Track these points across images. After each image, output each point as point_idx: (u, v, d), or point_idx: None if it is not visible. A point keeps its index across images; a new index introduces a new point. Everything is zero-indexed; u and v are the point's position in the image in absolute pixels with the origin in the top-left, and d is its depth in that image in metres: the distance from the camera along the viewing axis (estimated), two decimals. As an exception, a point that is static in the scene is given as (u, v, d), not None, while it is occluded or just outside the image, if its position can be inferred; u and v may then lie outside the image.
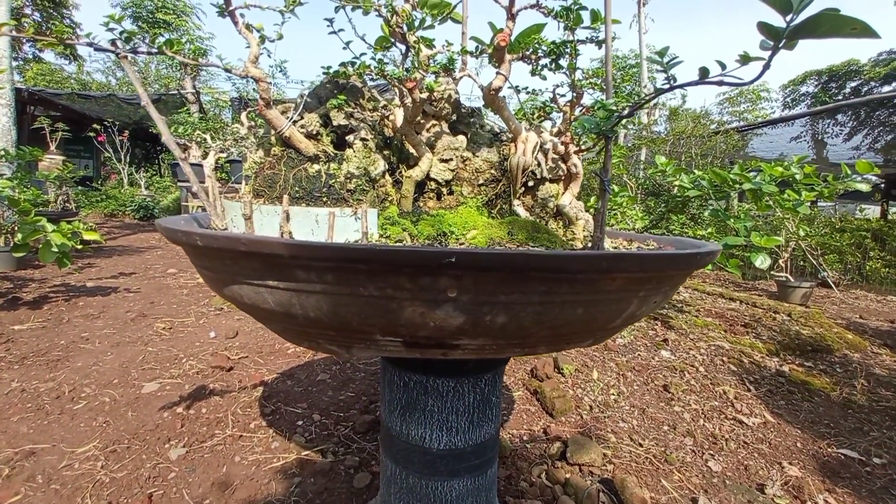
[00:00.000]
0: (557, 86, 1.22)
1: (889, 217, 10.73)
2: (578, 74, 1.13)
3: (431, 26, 1.16)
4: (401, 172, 1.12)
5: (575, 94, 1.18)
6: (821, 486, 1.96)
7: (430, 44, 1.02)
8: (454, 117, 1.21)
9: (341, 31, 1.01)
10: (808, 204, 3.20)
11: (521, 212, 1.15)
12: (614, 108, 0.81)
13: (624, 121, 1.10)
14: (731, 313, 4.62)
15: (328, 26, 1.00)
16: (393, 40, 1.06)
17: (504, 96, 1.10)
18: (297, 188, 0.98)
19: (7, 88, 6.10)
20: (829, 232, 7.96)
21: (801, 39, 0.55)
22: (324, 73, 1.09)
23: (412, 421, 1.15)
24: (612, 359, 3.09)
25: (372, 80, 1.06)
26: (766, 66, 0.56)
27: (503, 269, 0.63)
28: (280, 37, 1.04)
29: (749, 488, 1.89)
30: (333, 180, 0.99)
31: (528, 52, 1.09)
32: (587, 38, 1.06)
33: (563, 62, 1.06)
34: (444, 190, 1.15)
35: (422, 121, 1.14)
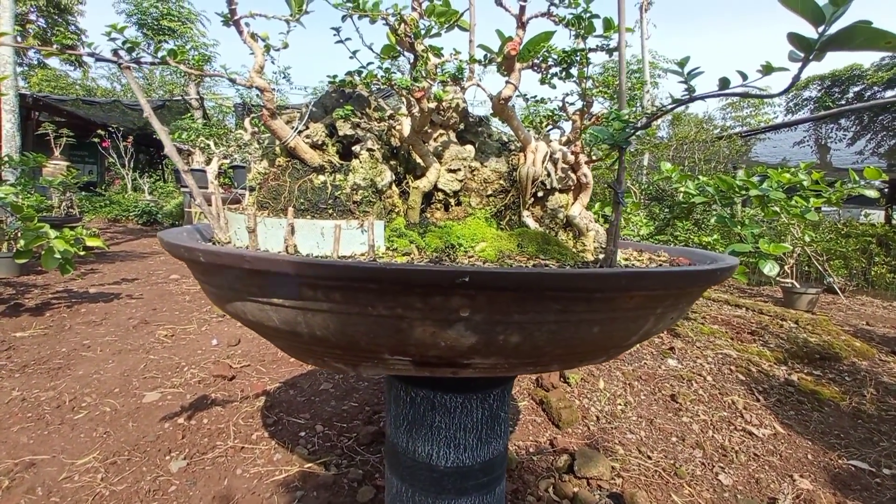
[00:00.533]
0: (567, 94, 1.19)
1: (893, 222, 10.66)
2: (588, 83, 1.10)
3: (438, 34, 1.14)
4: (408, 183, 1.10)
5: (585, 103, 1.15)
6: (832, 500, 1.92)
7: (438, 52, 1.00)
8: (462, 126, 1.19)
9: (348, 41, 1.00)
10: (815, 210, 3.17)
11: (531, 223, 1.12)
12: (629, 118, 0.78)
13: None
14: (737, 320, 4.58)
15: (335, 35, 0.98)
16: (400, 49, 1.04)
17: (513, 105, 1.08)
18: (302, 200, 0.95)
19: (11, 94, 6.12)
20: (834, 237, 7.91)
21: (833, 52, 0.53)
22: (329, 82, 1.07)
23: (419, 437, 1.12)
24: (618, 367, 3.06)
25: (379, 88, 1.04)
26: (796, 78, 0.54)
27: (519, 288, 0.60)
28: (285, 45, 1.02)
29: (761, 503, 1.85)
30: (339, 192, 0.97)
31: (537, 61, 1.07)
32: (598, 46, 1.03)
33: (574, 71, 1.04)
34: (452, 201, 1.12)
35: (429, 130, 1.12)
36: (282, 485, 1.73)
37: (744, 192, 3.34)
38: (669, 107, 0.71)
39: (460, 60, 1.04)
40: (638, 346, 3.52)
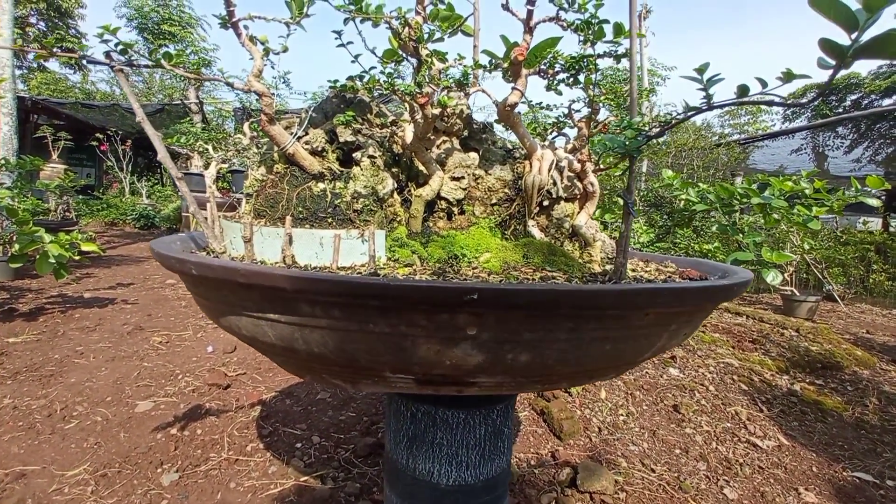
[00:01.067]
0: (573, 101, 1.17)
1: (891, 229, 10.67)
2: (596, 90, 1.08)
3: (441, 39, 1.12)
4: (410, 191, 1.06)
5: (591, 110, 1.13)
6: (840, 515, 1.88)
7: (443, 57, 0.97)
8: (466, 133, 1.16)
9: (350, 44, 0.97)
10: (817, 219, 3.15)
11: (536, 233, 1.09)
12: (641, 126, 0.75)
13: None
14: (738, 328, 4.55)
15: (336, 38, 0.95)
16: (403, 54, 1.01)
17: (519, 112, 1.05)
18: (300, 208, 0.92)
19: (9, 97, 6.09)
20: (833, 245, 7.90)
21: (865, 59, 0.50)
22: (330, 87, 1.04)
23: (419, 454, 1.08)
24: (619, 377, 3.02)
25: (380, 94, 1.01)
26: (827, 86, 0.51)
27: (530, 306, 0.57)
28: (285, 49, 0.99)
29: (768, 519, 1.81)
30: (339, 200, 0.94)
31: (544, 67, 1.04)
32: (606, 52, 1.01)
33: (581, 77, 1.01)
34: (456, 209, 1.09)
35: (432, 137, 1.09)
36: (277, 499, 1.69)
37: (745, 200, 3.31)
38: (685, 115, 0.68)
39: (465, 66, 1.01)
40: (639, 354, 3.49)
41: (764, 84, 0.63)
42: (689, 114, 0.67)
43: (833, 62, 0.51)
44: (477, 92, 1.08)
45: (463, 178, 1.08)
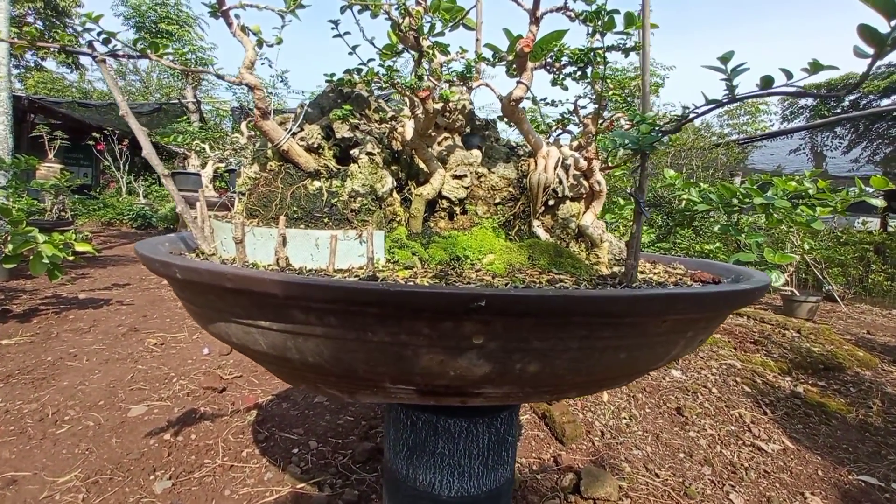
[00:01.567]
0: (579, 96, 1.12)
1: (889, 229, 10.66)
2: (604, 84, 1.03)
3: (442, 33, 1.07)
4: (410, 190, 1.02)
5: (599, 106, 1.08)
6: (847, 520, 1.84)
7: (444, 49, 0.93)
8: (468, 130, 1.12)
9: (347, 35, 0.92)
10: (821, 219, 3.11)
11: (541, 233, 1.05)
12: (656, 122, 0.71)
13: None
14: (739, 329, 4.51)
15: (333, 28, 0.91)
16: (402, 46, 0.97)
17: (524, 107, 1.01)
18: (295, 208, 0.88)
19: (4, 96, 6.02)
20: (832, 245, 7.88)
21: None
22: (326, 81, 1.00)
23: (420, 465, 1.04)
24: (621, 379, 2.98)
25: (380, 88, 0.97)
26: (865, 77, 0.47)
27: (541, 313, 0.52)
28: (279, 41, 0.94)
29: (775, 525, 1.77)
30: (336, 199, 0.89)
31: (550, 60, 0.99)
32: (615, 44, 0.96)
33: (589, 71, 0.97)
34: (457, 209, 1.05)
35: (433, 133, 1.05)
36: (273, 506, 1.64)
37: (747, 201, 3.28)
38: (706, 107, 0.64)
39: (468, 59, 0.97)
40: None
41: (789, 75, 0.58)
42: (711, 107, 0.62)
43: (871, 51, 0.47)
44: (480, 86, 1.04)
45: (465, 176, 1.03)
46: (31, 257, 3.45)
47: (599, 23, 0.85)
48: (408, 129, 1.01)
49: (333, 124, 0.97)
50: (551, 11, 0.88)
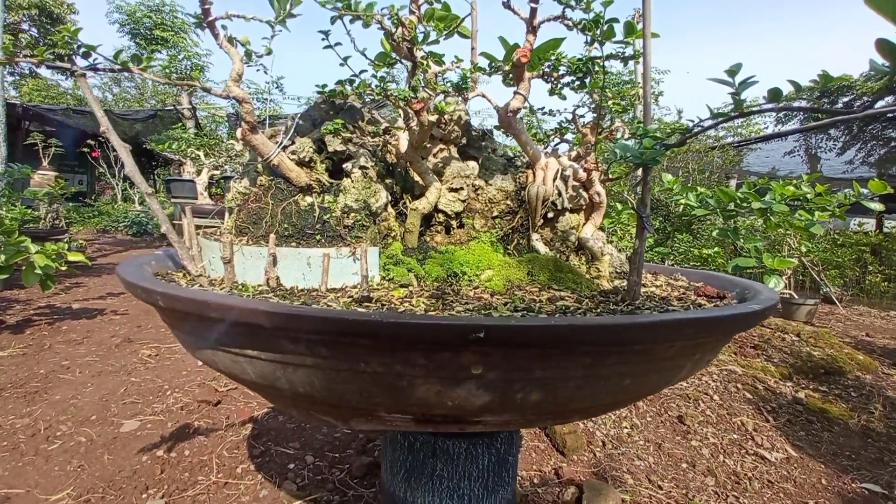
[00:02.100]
0: (577, 106, 1.10)
1: (886, 230, 10.68)
2: (603, 93, 1.01)
3: (437, 41, 1.05)
4: (405, 204, 0.99)
5: (597, 116, 1.06)
6: (853, 531, 1.81)
7: (439, 59, 0.90)
8: (464, 141, 1.09)
9: (338, 46, 0.89)
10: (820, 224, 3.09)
11: (541, 247, 1.02)
12: (660, 135, 0.68)
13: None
14: (738, 334, 4.49)
15: (323, 39, 0.88)
16: (396, 56, 0.94)
17: (522, 118, 0.98)
18: (286, 225, 0.85)
19: (-4, 104, 5.98)
20: (829, 247, 7.88)
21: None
22: (318, 92, 0.97)
23: (418, 487, 1.00)
24: (621, 386, 2.94)
25: (373, 99, 0.94)
26: (890, 88, 0.44)
27: (543, 344, 0.49)
28: (269, 52, 0.92)
29: (781, 538, 1.74)
30: (328, 215, 0.86)
31: (547, 69, 0.97)
32: (614, 53, 0.94)
33: (588, 81, 0.94)
34: (454, 223, 1.02)
35: (428, 145, 1.02)
36: (268, 525, 1.60)
37: (745, 205, 3.26)
38: (713, 122, 0.62)
39: (463, 69, 0.94)
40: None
41: (798, 88, 0.56)
42: (718, 121, 0.60)
43: (889, 65, 0.45)
44: (476, 96, 1.01)
45: (462, 189, 1.00)
46: (24, 267, 3.40)
47: (598, 32, 0.82)
48: (402, 141, 0.98)
49: (325, 137, 0.94)
50: (549, 20, 0.86)
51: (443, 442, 0.97)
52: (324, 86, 0.98)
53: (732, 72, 0.55)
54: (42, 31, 16.04)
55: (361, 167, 0.92)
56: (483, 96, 1.02)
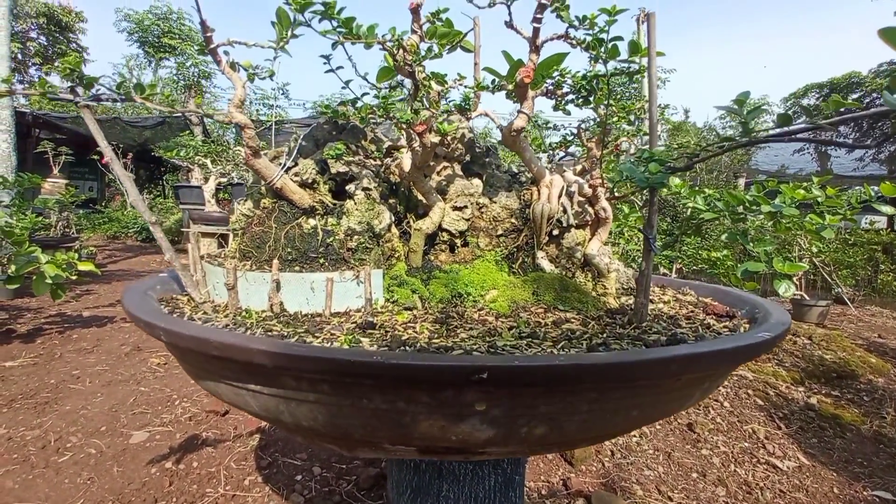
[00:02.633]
0: (582, 121, 1.09)
1: (896, 228, 10.51)
2: (607, 109, 1.00)
3: (439, 55, 1.04)
4: (409, 223, 0.99)
5: (602, 130, 1.05)
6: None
7: (441, 80, 0.90)
8: (468, 157, 1.08)
9: (340, 69, 0.89)
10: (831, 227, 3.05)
11: (546, 265, 1.01)
12: (665, 156, 0.67)
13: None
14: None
15: (325, 63, 0.88)
16: (399, 77, 0.94)
17: (525, 136, 0.97)
18: (289, 249, 0.84)
19: (6, 114, 6.06)
20: (841, 247, 7.77)
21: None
22: (321, 112, 0.97)
23: (424, 508, 1.00)
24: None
25: (375, 123, 0.94)
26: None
27: (547, 382, 0.49)
28: (272, 74, 0.92)
29: (794, 551, 1.71)
30: (332, 238, 0.86)
31: (550, 86, 0.96)
32: (618, 69, 0.93)
33: (592, 98, 0.93)
34: (459, 241, 1.01)
35: (432, 163, 1.01)
36: (276, 539, 1.60)
37: (755, 208, 3.23)
38: (721, 150, 0.61)
39: (466, 87, 0.94)
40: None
41: (810, 113, 0.55)
42: (725, 148, 0.59)
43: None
44: (479, 115, 1.01)
45: (466, 207, 1.00)
46: (35, 277, 3.44)
47: (602, 50, 0.81)
48: (405, 161, 0.98)
49: (328, 160, 0.94)
50: (552, 39, 0.85)
51: (448, 463, 0.97)
52: (327, 106, 0.98)
53: (740, 101, 0.54)
54: (51, 39, 16.24)
55: (364, 188, 0.92)
56: (486, 115, 1.02)
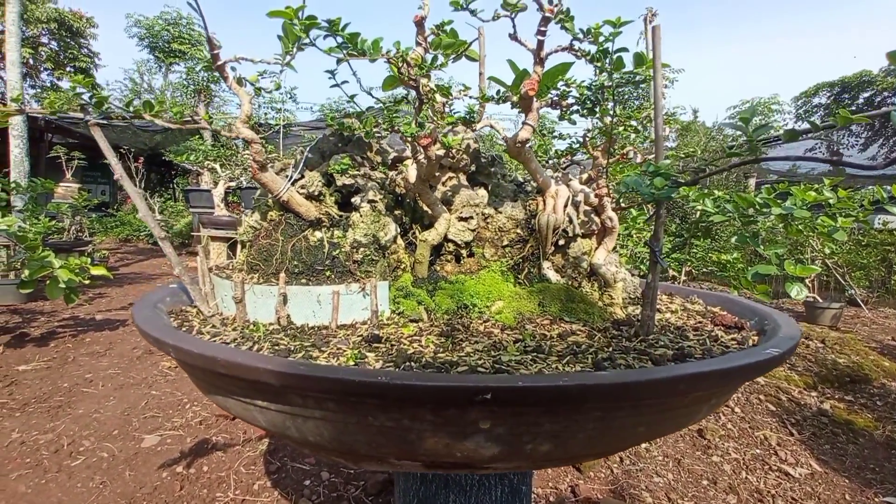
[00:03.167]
0: (588, 130, 1.09)
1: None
2: (613, 119, 0.99)
3: (444, 65, 1.05)
4: (414, 234, 0.99)
5: (608, 140, 1.04)
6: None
7: (446, 91, 0.90)
8: (473, 168, 1.08)
9: (345, 84, 0.90)
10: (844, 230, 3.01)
11: (552, 275, 1.01)
12: (672, 173, 0.67)
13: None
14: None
15: (330, 78, 0.89)
16: (404, 89, 0.94)
17: (531, 146, 0.97)
18: (296, 262, 0.85)
19: (18, 120, 6.16)
20: (854, 248, 7.65)
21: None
22: (326, 125, 0.97)
23: (431, 519, 1.00)
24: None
25: (380, 136, 0.95)
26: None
27: (551, 403, 0.49)
28: (278, 87, 0.93)
29: (806, 560, 1.69)
30: (338, 250, 0.87)
31: (555, 97, 0.96)
32: (623, 79, 0.93)
33: (597, 109, 0.93)
34: (464, 252, 1.01)
35: (437, 174, 1.02)
36: (284, 544, 1.61)
37: (765, 211, 3.20)
38: (728, 166, 0.60)
39: (470, 99, 0.94)
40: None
41: (816, 127, 0.54)
42: (731, 165, 0.59)
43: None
44: (484, 126, 1.01)
45: (471, 217, 1.00)
46: (48, 282, 3.49)
47: (607, 62, 0.81)
48: (410, 173, 0.99)
49: (333, 174, 0.95)
50: (557, 51, 0.85)
51: (455, 474, 0.97)
52: (332, 117, 0.99)
53: (745, 119, 0.54)
54: (62, 44, 16.48)
55: (370, 200, 0.92)
56: (491, 126, 1.02)
